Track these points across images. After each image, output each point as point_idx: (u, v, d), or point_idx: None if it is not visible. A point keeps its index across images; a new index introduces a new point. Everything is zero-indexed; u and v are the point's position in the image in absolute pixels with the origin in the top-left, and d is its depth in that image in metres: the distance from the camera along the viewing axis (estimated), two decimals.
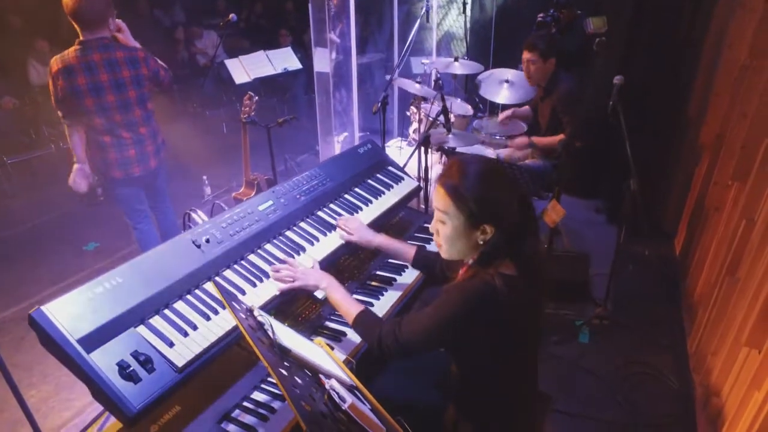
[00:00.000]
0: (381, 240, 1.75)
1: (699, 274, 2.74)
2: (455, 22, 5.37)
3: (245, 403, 1.34)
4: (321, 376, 1.08)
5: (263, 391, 1.38)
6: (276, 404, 1.34)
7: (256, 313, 1.16)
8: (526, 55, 3.06)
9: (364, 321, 1.38)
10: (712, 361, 2.21)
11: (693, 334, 2.59)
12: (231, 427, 1.27)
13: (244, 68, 4.33)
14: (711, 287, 2.45)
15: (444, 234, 1.27)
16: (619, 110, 2.44)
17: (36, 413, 1.99)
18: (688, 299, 2.90)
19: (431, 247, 1.92)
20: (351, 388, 1.13)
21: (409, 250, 1.72)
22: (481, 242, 1.23)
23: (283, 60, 4.56)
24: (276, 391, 1.38)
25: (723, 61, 2.95)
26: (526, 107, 3.48)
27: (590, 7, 3.19)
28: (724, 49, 2.93)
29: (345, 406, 0.95)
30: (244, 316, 1.08)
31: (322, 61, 4.06)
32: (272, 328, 1.06)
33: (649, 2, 3.34)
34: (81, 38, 2.43)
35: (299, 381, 0.95)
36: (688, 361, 2.50)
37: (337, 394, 0.97)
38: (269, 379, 1.42)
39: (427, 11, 3.52)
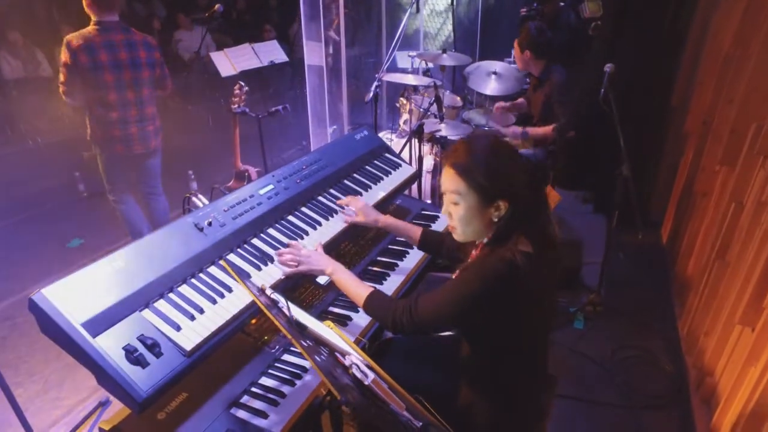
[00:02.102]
0: (387, 219, 1.74)
1: (688, 259, 2.80)
2: (427, 19, 5.38)
3: (254, 389, 1.31)
4: (337, 354, 1.06)
5: (271, 376, 1.35)
6: (285, 389, 1.31)
7: (268, 292, 1.13)
8: None
9: (376, 300, 1.35)
10: (705, 341, 2.25)
11: (684, 317, 2.64)
12: (241, 412, 1.25)
13: (230, 61, 4.25)
14: (701, 271, 2.50)
15: (458, 215, 1.24)
16: (610, 98, 2.47)
17: (24, 412, 1.92)
18: (677, 284, 2.95)
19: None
20: (367, 367, 1.11)
21: (415, 230, 1.70)
22: (496, 219, 1.21)
23: (269, 53, 4.49)
24: (285, 376, 1.35)
25: (707, 50, 3.01)
26: (522, 100, 3.49)
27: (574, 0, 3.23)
28: (708, 39, 3.00)
29: (368, 381, 0.93)
30: (257, 294, 1.05)
31: (315, 54, 4.01)
32: (288, 306, 1.04)
33: None
34: (96, 19, 2.60)
35: (322, 355, 0.93)
36: (680, 344, 2.54)
37: (359, 368, 0.95)
38: (276, 364, 1.39)
39: (417, 0, 3.50)
